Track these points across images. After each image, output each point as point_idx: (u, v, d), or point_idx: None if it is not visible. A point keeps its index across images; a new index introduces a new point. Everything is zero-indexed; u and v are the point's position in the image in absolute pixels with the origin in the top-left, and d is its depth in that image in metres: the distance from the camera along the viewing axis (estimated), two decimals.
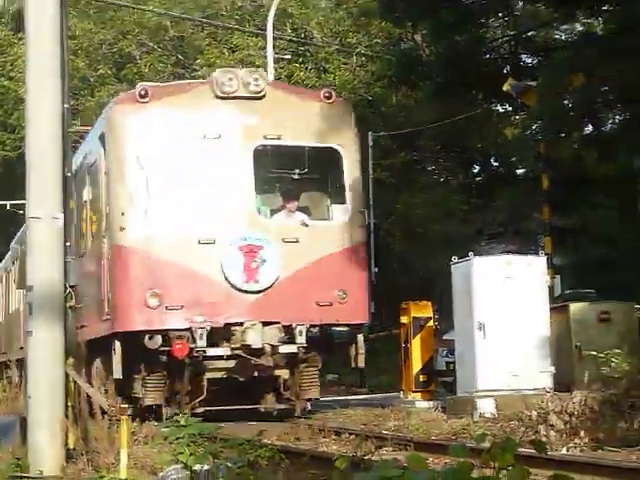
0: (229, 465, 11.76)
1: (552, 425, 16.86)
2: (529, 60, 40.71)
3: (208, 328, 20.36)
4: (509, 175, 46.55)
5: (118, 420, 12.45)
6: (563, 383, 20.61)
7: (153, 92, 21.26)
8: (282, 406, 22.18)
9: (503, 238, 41.62)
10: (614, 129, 33.20)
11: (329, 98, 22.28)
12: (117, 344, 20.32)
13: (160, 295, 20.37)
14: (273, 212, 22.61)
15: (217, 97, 21.43)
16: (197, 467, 12.12)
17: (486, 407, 20.28)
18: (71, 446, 13.80)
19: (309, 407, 22.58)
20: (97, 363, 22.35)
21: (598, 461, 13.46)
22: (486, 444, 6.82)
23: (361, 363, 22.15)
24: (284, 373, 21.75)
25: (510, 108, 41.81)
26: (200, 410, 20.59)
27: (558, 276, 30.01)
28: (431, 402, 23.42)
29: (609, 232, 31.88)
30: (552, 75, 28.21)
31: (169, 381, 21.25)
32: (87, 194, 23.78)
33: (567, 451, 15.29)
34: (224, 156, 21.29)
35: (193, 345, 20.24)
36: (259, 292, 20.90)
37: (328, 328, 21.55)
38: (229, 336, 20.72)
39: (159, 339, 20.18)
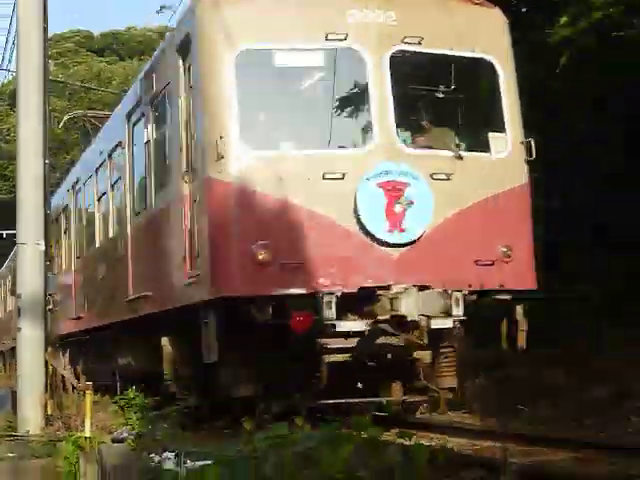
0: (165, 426, 11.71)
1: None
2: None
3: (339, 294, 11.10)
4: None
5: (84, 394, 12.29)
6: None
7: None
8: (420, 398, 12.87)
9: None
10: None
11: None
12: (212, 315, 11.46)
13: (272, 248, 11.15)
14: (414, 139, 12.47)
15: None
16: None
17: None
18: (49, 412, 13.67)
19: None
20: (164, 341, 13.60)
21: (431, 421, 13.21)
22: None
23: (522, 343, 12.30)
24: (426, 355, 12.23)
25: None
26: (309, 404, 11.70)
27: None
28: None
29: None
30: None
31: (272, 366, 12.09)
32: (150, 133, 14.46)
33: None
34: (353, 63, 12.04)
35: (317, 317, 11.09)
36: (405, 245, 11.44)
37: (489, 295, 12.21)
38: (369, 304, 11.38)
39: (270, 308, 11.20)
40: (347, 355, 11.65)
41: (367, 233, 11.33)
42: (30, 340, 13.68)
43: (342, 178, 11.43)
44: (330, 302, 11.02)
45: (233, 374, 12.24)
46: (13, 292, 24.77)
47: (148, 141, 14.51)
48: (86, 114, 27.56)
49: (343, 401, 11.93)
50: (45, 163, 14.20)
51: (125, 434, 12.19)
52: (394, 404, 12.41)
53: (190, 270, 12.12)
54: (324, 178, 11.41)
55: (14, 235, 14.72)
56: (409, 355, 12.01)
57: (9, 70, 27.52)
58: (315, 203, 11.39)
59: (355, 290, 11.24)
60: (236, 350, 11.79)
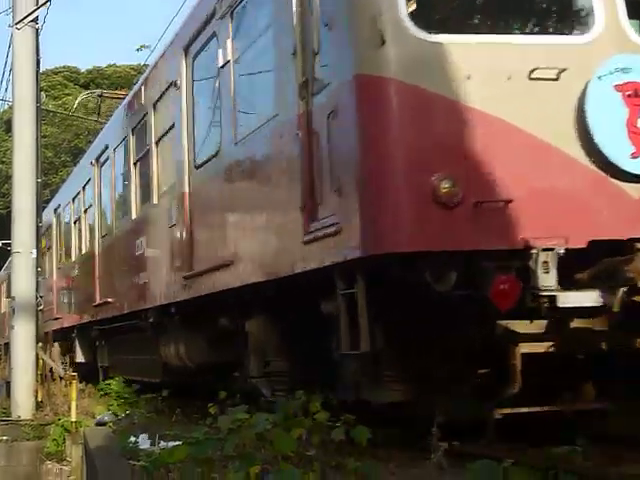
0: (142, 411, 11.68)
1: None
2: None
3: (561, 250, 5.84)
4: None
5: (70, 383, 12.23)
6: None
7: None
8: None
9: None
10: None
11: None
12: (361, 282, 6.30)
13: (460, 180, 5.86)
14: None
15: None
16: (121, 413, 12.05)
17: None
18: (39, 399, 13.62)
19: None
20: (250, 327, 8.88)
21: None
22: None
23: None
24: None
25: None
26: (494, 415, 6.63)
27: None
28: None
29: None
30: None
31: (442, 359, 6.83)
32: (228, 52, 8.97)
33: None
34: None
35: (527, 284, 5.89)
36: None
37: None
38: (614, 266, 5.90)
39: (454, 272, 5.94)
40: (547, 345, 6.61)
41: (600, 160, 6.33)
42: (23, 336, 13.64)
43: (557, 78, 6.38)
44: (547, 263, 6.10)
45: (374, 371, 7.06)
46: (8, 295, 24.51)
47: (226, 63, 9.11)
48: (102, 94, 22.76)
49: (538, 409, 6.80)
50: (37, 182, 14.15)
51: (106, 418, 12.16)
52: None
53: (312, 222, 7.04)
54: (531, 77, 6.36)
55: (8, 245, 14.61)
56: (633, 346, 6.76)
57: (4, 100, 27.32)
58: (519, 115, 6.35)
59: (584, 245, 6.22)
60: (384, 335, 6.79)
